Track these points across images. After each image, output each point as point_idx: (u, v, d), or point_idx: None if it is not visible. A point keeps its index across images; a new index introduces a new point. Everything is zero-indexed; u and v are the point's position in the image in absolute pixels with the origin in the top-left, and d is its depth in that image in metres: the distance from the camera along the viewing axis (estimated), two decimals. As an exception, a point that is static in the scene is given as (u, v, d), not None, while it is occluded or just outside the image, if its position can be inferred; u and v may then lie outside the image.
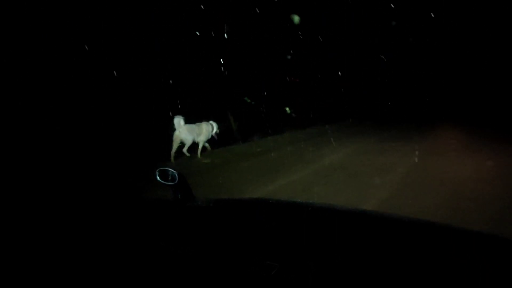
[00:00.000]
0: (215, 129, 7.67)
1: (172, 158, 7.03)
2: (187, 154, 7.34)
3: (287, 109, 12.74)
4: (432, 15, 19.09)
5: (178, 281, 0.95)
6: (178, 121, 7.03)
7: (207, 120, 7.72)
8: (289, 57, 13.05)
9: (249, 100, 11.19)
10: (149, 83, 7.99)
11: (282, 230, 1.31)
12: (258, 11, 10.70)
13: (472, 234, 1.30)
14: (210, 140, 7.79)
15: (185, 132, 7.11)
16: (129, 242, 1.18)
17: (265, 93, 11.22)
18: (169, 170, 1.71)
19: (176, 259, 1.05)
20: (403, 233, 1.34)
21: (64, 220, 1.41)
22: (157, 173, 1.69)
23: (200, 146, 7.55)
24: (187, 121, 7.29)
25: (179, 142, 7.13)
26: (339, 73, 15.95)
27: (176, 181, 1.65)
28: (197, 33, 8.78)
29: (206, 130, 7.53)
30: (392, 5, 17.29)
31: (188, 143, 7.25)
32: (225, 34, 9.42)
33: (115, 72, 7.15)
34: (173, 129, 7.05)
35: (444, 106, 20.34)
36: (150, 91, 7.98)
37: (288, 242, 1.17)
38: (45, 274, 0.99)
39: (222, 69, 9.76)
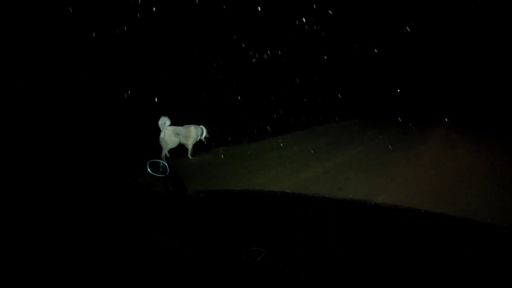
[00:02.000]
0: (204, 134, 7.51)
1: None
2: (167, 155, 6.99)
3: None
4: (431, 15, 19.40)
5: (170, 272, 0.93)
6: (163, 122, 6.72)
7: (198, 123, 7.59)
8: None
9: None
10: (148, 82, 7.88)
11: (271, 218, 1.32)
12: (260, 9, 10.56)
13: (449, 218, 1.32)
14: (196, 145, 7.58)
15: (169, 134, 6.83)
16: (121, 234, 1.16)
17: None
18: (160, 162, 1.68)
19: (168, 251, 1.04)
20: (394, 220, 1.35)
21: (59, 214, 1.38)
22: (147, 165, 1.67)
23: (189, 148, 7.38)
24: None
25: (167, 145, 6.86)
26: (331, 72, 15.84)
27: (168, 173, 1.63)
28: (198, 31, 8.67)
29: (194, 134, 7.36)
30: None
31: (170, 146, 6.91)
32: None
33: (114, 72, 7.07)
34: (159, 131, 6.81)
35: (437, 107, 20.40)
36: (149, 90, 7.85)
37: (277, 230, 1.17)
38: (40, 264, 0.97)
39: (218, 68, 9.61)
